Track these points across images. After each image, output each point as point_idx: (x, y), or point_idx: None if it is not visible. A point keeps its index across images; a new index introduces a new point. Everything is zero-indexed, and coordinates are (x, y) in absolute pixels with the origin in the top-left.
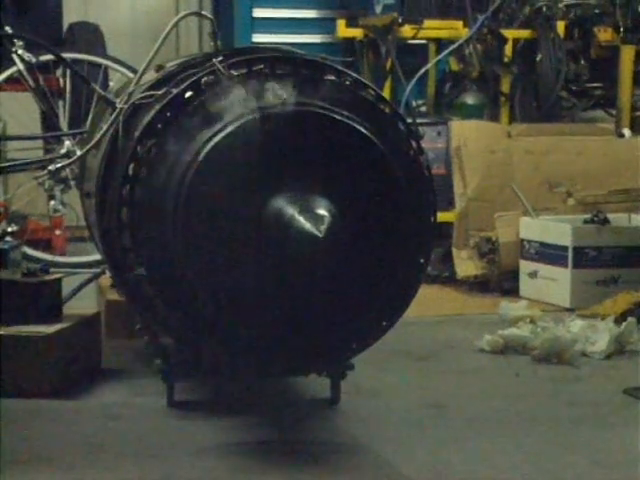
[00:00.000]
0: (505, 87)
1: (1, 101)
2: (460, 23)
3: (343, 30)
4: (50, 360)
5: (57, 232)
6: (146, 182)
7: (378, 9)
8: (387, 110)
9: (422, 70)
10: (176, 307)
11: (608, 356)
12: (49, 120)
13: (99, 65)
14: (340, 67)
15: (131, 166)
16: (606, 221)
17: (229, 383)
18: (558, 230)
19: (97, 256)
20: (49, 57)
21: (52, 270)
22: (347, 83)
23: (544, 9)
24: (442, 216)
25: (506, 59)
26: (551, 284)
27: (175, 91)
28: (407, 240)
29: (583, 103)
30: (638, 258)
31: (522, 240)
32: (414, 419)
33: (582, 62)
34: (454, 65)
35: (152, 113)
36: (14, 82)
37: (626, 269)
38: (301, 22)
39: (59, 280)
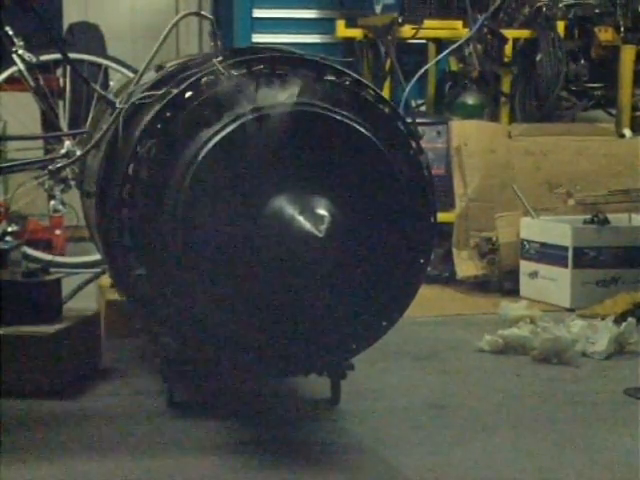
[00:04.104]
0: (505, 87)
1: (1, 101)
2: (460, 23)
3: (343, 30)
4: (50, 360)
5: (57, 232)
6: (146, 182)
7: (378, 9)
8: (387, 110)
9: (422, 70)
10: (176, 307)
11: (608, 356)
12: (49, 120)
13: (99, 65)
14: (340, 67)
15: (131, 166)
16: (606, 221)
17: (229, 383)
18: (558, 230)
19: (97, 256)
20: (49, 57)
21: (52, 270)
22: (347, 83)
23: (544, 9)
24: (442, 216)
25: (506, 59)
26: (551, 284)
27: (175, 91)
28: (407, 240)
29: (583, 103)
30: (638, 258)
31: (522, 240)
32: (414, 419)
33: (582, 62)
34: (454, 65)
35: (152, 113)
36: (14, 82)
37: (626, 269)
38: (301, 22)
39: (59, 280)
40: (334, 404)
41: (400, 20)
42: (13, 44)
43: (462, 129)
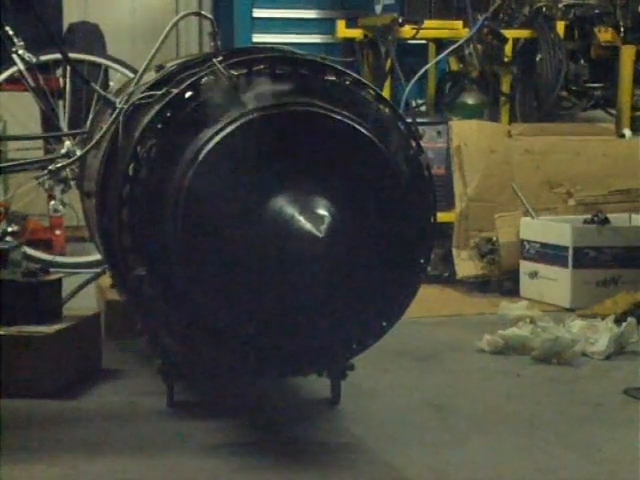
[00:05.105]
0: (505, 87)
1: (1, 101)
2: (460, 23)
3: (343, 30)
4: (50, 360)
5: (57, 232)
6: (146, 182)
7: (378, 9)
8: (387, 110)
9: (422, 70)
10: (176, 307)
11: (608, 356)
12: (49, 120)
13: (99, 65)
14: (340, 67)
15: (131, 166)
16: (606, 221)
17: (229, 383)
18: (558, 230)
19: (97, 256)
20: (49, 57)
21: (52, 270)
22: (347, 83)
23: (544, 9)
24: (442, 216)
25: (506, 59)
26: (551, 284)
27: (175, 91)
28: (407, 240)
29: (583, 103)
30: (638, 258)
31: (522, 240)
32: (414, 419)
33: (582, 62)
34: (454, 65)
35: (152, 113)
36: (14, 82)
37: (626, 269)
38: (301, 22)
39: (59, 280)
40: (334, 404)
41: (400, 20)
42: (13, 44)
43: (462, 129)
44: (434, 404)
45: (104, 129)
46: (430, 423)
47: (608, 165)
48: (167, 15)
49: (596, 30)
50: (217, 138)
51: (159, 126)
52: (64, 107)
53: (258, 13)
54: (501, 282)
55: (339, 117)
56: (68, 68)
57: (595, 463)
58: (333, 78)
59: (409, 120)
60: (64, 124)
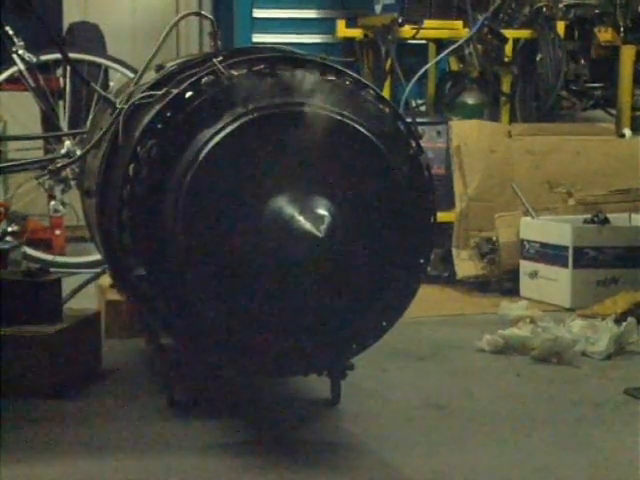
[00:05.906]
0: (505, 87)
1: (1, 101)
2: (460, 23)
3: (343, 30)
4: (50, 360)
5: (57, 232)
6: (146, 182)
7: (378, 9)
8: (387, 110)
9: (422, 70)
10: (176, 307)
11: (608, 356)
12: (49, 120)
13: (99, 65)
14: (340, 67)
15: (131, 166)
16: (606, 221)
17: (229, 383)
18: (558, 230)
19: (97, 256)
20: (49, 57)
21: (52, 270)
22: (347, 83)
23: (544, 9)
24: (442, 216)
25: (506, 59)
26: (551, 284)
27: (175, 91)
28: (407, 240)
29: (583, 103)
30: (638, 258)
31: (522, 240)
32: (414, 419)
33: (582, 62)
34: (454, 65)
35: (152, 113)
36: (14, 82)
37: (626, 269)
38: (301, 22)
39: (59, 280)
40: (334, 404)
41: (400, 20)
42: (13, 44)
43: (462, 129)
44: (434, 404)
45: (104, 129)
46: (430, 423)
47: (608, 165)
48: (167, 15)
49: (596, 30)
50: (217, 138)
51: (159, 126)
52: (64, 107)
53: (258, 13)
54: (501, 282)
55: (339, 117)
56: (68, 68)
57: (595, 463)
58: (333, 78)
59: (409, 120)
60: (64, 124)
